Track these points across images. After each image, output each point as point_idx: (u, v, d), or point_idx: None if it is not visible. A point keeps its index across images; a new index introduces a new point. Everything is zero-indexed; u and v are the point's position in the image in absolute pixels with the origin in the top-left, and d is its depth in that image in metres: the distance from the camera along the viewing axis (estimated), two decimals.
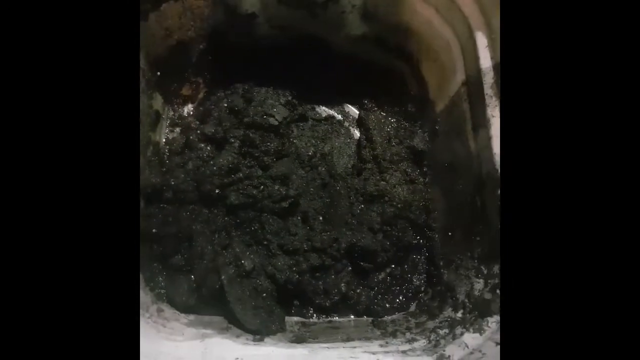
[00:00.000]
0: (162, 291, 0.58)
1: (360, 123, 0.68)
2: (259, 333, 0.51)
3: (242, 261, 0.55)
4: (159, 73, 0.64)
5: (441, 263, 0.58)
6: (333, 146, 0.67)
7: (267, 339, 0.50)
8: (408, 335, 0.51)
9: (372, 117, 0.66)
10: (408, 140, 0.63)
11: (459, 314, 0.50)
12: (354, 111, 0.70)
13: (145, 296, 0.56)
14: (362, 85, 0.68)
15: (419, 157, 0.63)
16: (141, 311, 0.52)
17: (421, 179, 0.63)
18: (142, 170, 0.60)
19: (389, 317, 0.58)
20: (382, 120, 0.66)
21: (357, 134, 0.69)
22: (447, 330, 0.50)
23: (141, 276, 0.57)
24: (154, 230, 0.57)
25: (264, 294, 0.54)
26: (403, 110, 0.66)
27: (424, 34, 0.59)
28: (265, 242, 0.58)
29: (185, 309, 0.57)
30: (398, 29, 0.61)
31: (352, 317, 0.59)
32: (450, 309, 0.52)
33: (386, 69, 0.67)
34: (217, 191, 0.60)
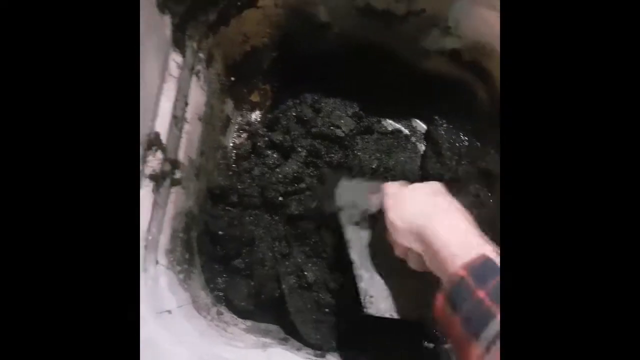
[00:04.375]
0: (221, 294, 0.58)
1: (428, 139, 0.67)
2: (319, 348, 0.50)
3: (305, 272, 0.54)
4: (232, 79, 0.65)
5: None
6: (398, 161, 0.66)
7: (328, 355, 0.49)
8: None
9: (442, 133, 0.64)
10: (480, 161, 0.61)
11: None
12: (421, 126, 0.69)
13: (205, 297, 0.56)
14: (433, 100, 0.66)
15: (491, 179, 0.61)
16: (203, 313, 0.53)
17: (491, 203, 0.60)
18: (211, 172, 0.61)
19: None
20: (453, 137, 0.64)
21: (423, 149, 0.67)
22: None
23: (202, 276, 0.58)
24: (219, 232, 0.58)
25: (327, 309, 0.53)
26: (476, 129, 0.64)
27: None
28: (324, 256, 0.58)
29: (242, 314, 0.57)
30: (478, 46, 0.59)
31: None
32: None
33: (459, 85, 0.65)
34: (280, 199, 0.60)
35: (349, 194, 0.55)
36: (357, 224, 0.52)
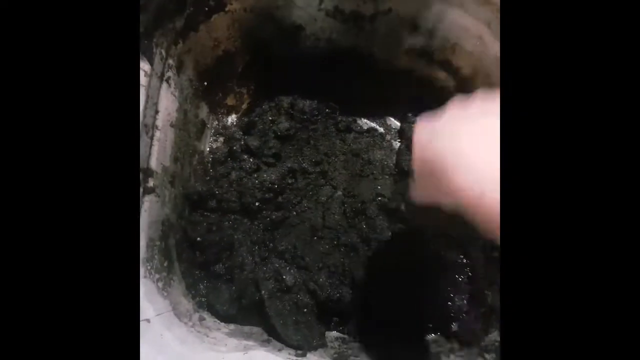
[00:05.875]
0: (203, 299, 0.58)
1: (402, 135, 0.68)
2: (300, 348, 0.51)
3: (284, 276, 0.55)
4: (205, 83, 0.65)
5: (485, 284, 0.57)
6: (375, 159, 0.67)
7: (309, 355, 0.50)
8: (452, 357, 0.50)
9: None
10: None
11: None
12: (396, 124, 0.70)
13: (187, 304, 0.56)
14: (406, 98, 0.67)
15: None
16: (184, 320, 0.53)
17: None
18: (188, 178, 0.61)
19: (430, 337, 0.57)
20: None
21: (398, 146, 0.68)
22: (494, 355, 0.48)
23: (183, 283, 0.58)
24: (198, 239, 0.58)
25: (305, 309, 0.53)
26: None
27: (473, 49, 0.58)
28: (303, 260, 0.58)
29: (225, 318, 0.57)
30: (446, 43, 0.60)
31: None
32: (497, 332, 0.51)
33: (431, 83, 0.66)
34: (257, 204, 0.60)
35: None
36: None
